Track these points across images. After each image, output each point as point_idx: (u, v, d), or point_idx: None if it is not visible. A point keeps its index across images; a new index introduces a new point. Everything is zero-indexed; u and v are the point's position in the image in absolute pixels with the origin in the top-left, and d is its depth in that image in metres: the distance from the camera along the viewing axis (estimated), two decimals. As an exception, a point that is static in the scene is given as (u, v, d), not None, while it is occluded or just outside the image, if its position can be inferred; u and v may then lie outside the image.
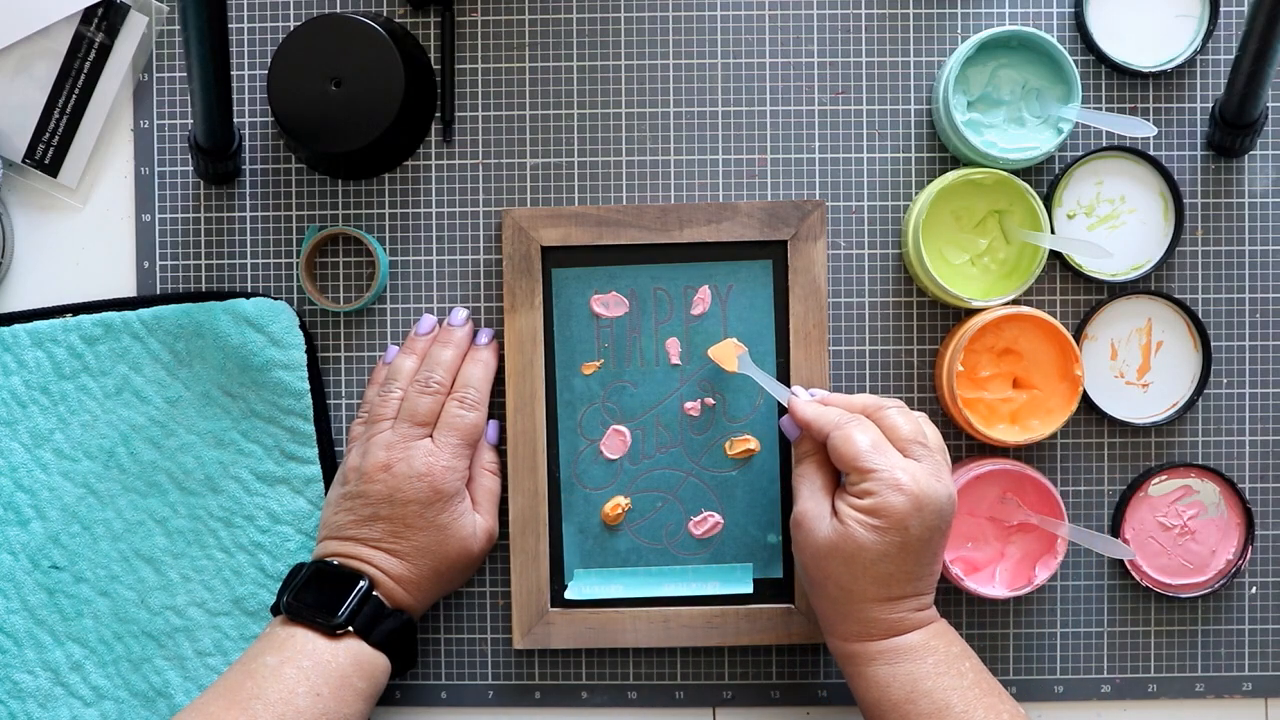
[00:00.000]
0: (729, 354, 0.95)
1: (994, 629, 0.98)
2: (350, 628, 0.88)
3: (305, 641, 0.87)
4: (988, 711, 0.83)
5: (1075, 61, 0.94)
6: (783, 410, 0.92)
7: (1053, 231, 0.95)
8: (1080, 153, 0.97)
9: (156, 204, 0.99)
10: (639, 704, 0.98)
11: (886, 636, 0.85)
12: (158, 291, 0.99)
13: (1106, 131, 0.97)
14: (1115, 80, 0.98)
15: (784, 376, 0.96)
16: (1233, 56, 0.92)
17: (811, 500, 0.86)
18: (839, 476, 0.88)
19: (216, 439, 0.97)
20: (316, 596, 0.89)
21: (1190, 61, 0.97)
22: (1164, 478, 0.96)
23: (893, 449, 0.85)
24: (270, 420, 0.96)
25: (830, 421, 0.86)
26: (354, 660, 0.88)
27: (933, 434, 0.87)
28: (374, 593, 0.90)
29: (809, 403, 0.89)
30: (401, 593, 0.91)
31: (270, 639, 0.88)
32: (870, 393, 0.97)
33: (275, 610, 0.91)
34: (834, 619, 0.86)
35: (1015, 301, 0.95)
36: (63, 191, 1.00)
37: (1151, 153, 0.97)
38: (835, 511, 0.85)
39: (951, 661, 0.85)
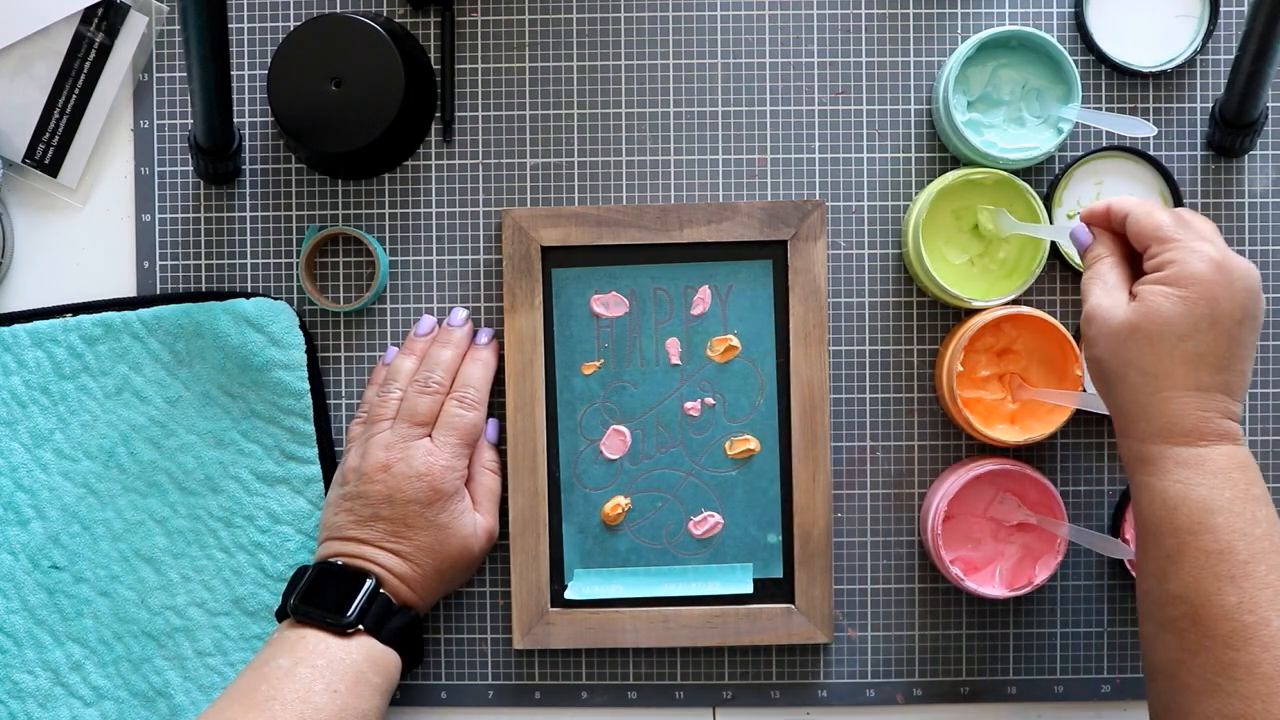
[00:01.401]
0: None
1: (994, 629, 0.98)
2: (361, 626, 0.88)
3: (317, 642, 0.87)
4: (1271, 569, 0.75)
5: (1075, 61, 0.94)
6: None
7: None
8: (1080, 153, 0.97)
9: (156, 204, 0.99)
10: (639, 704, 0.98)
11: (1191, 441, 0.78)
12: (158, 291, 0.99)
13: (1106, 131, 0.97)
14: (1115, 80, 0.98)
15: (784, 376, 0.96)
16: (1233, 56, 0.92)
17: (1105, 295, 0.81)
18: (1132, 278, 0.83)
19: (216, 439, 0.97)
20: (324, 598, 0.89)
21: (1190, 61, 0.97)
22: (1164, 478, 0.96)
23: (1195, 226, 0.80)
24: (270, 420, 0.96)
25: (1125, 204, 0.82)
26: (368, 656, 0.88)
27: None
28: (381, 591, 0.90)
29: (1115, 199, 0.84)
30: (407, 590, 0.91)
31: (280, 643, 0.88)
32: (870, 392, 0.97)
33: (281, 614, 0.91)
34: (1135, 413, 0.79)
35: (1015, 301, 0.95)
36: (63, 191, 1.00)
37: (1151, 153, 0.97)
38: (1133, 295, 0.80)
39: (1249, 502, 0.77)
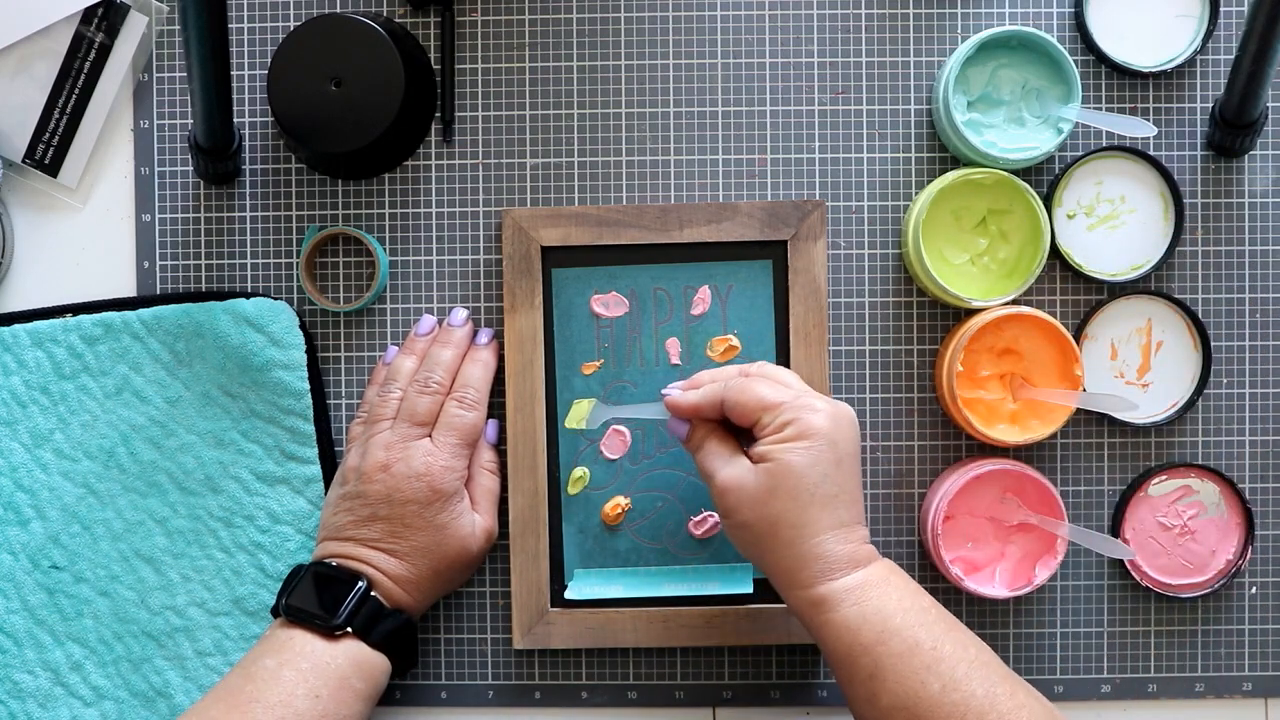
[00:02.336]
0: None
1: (994, 629, 0.98)
2: (349, 628, 0.88)
3: (304, 644, 0.87)
4: (955, 645, 0.81)
5: (1075, 61, 0.94)
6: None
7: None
8: (1080, 153, 0.97)
9: (156, 204, 0.99)
10: (639, 704, 0.98)
11: (848, 570, 0.83)
12: (158, 291, 0.99)
13: (1106, 131, 0.97)
14: (1115, 80, 0.98)
15: (784, 376, 0.96)
16: (1233, 56, 0.92)
17: (728, 467, 0.85)
18: (740, 441, 0.87)
19: (216, 439, 0.97)
20: (315, 598, 0.89)
21: (1190, 61, 0.97)
22: (1164, 478, 0.96)
23: (788, 384, 0.86)
24: (270, 420, 0.96)
25: (718, 387, 0.87)
26: (353, 661, 0.88)
27: (794, 379, 0.88)
28: (372, 593, 0.90)
29: (684, 391, 0.89)
30: (400, 593, 0.91)
31: (270, 641, 0.88)
32: (870, 392, 0.97)
33: (275, 612, 0.91)
34: (793, 567, 0.84)
35: (1015, 301, 0.95)
36: (63, 191, 1.00)
37: (1151, 153, 0.97)
38: (756, 461, 0.84)
39: (914, 596, 0.83)
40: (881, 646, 0.81)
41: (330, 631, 0.88)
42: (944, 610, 0.84)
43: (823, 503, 0.83)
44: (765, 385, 0.85)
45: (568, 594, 0.97)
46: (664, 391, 0.90)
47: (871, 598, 0.82)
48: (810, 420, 0.83)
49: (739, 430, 0.87)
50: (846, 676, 0.83)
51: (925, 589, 0.97)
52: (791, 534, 0.83)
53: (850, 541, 0.84)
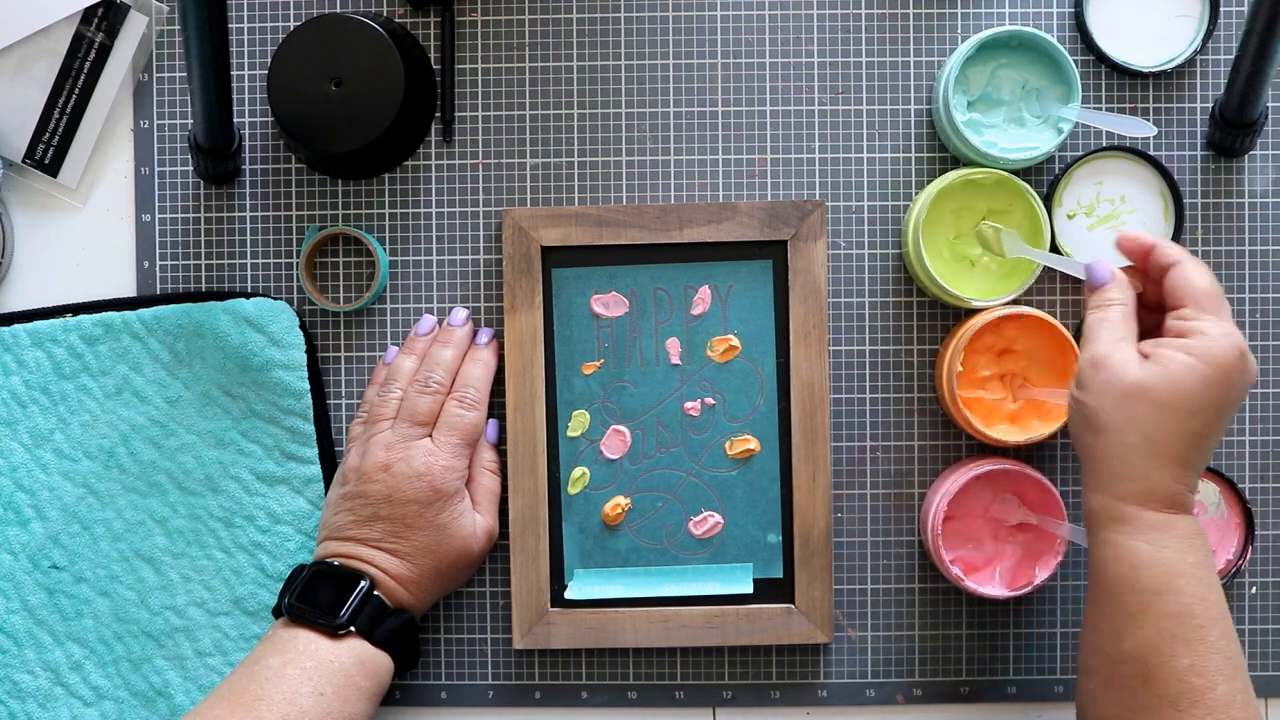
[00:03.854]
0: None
1: (994, 629, 0.98)
2: (352, 628, 0.88)
3: (308, 643, 0.87)
4: (1219, 635, 0.78)
5: (1075, 61, 0.94)
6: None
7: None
8: (1080, 153, 0.97)
9: (156, 204, 0.99)
10: (639, 704, 0.98)
11: (1164, 508, 0.79)
12: (158, 291, 0.99)
13: (1106, 131, 0.97)
14: (1115, 80, 0.98)
15: (784, 377, 0.96)
16: (1233, 56, 0.92)
17: (1115, 346, 0.80)
18: (1137, 333, 0.82)
19: (216, 439, 0.97)
20: (318, 597, 0.89)
21: (1190, 61, 0.97)
22: (1164, 478, 0.96)
23: (1227, 308, 0.81)
24: (270, 420, 0.96)
25: (1181, 253, 0.82)
26: (357, 660, 0.88)
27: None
28: (375, 592, 0.90)
29: (1138, 234, 0.84)
30: (402, 592, 0.91)
31: (272, 641, 0.88)
32: (870, 392, 0.98)
33: (277, 612, 0.91)
34: (1119, 471, 0.79)
35: (1015, 301, 0.95)
36: (63, 191, 1.00)
37: (1151, 153, 0.97)
38: (1149, 357, 0.79)
39: (1208, 570, 0.79)
40: (1156, 596, 0.78)
41: (334, 631, 0.88)
42: (1224, 597, 0.80)
43: (1185, 433, 0.78)
44: (1215, 286, 0.80)
45: (568, 594, 0.97)
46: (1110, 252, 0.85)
47: (1172, 546, 0.78)
48: (1222, 346, 0.78)
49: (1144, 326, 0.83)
50: (1103, 602, 0.80)
51: (925, 588, 0.97)
52: (1137, 441, 0.79)
53: (1184, 483, 0.79)
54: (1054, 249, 0.96)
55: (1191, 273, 0.81)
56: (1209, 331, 0.79)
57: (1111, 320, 0.82)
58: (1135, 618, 0.78)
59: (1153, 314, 0.84)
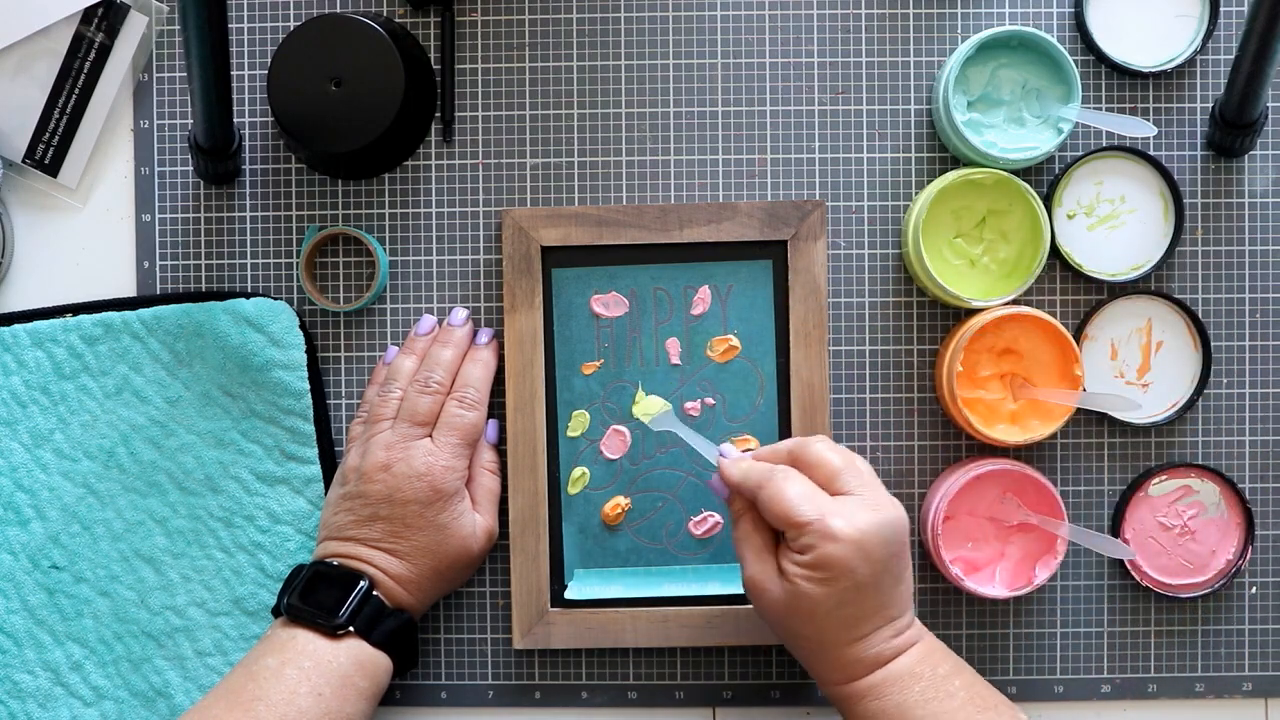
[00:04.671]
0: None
1: (994, 629, 0.98)
2: (351, 628, 0.88)
3: (306, 643, 0.87)
4: (977, 711, 0.83)
5: (1075, 61, 0.94)
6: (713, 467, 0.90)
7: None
8: (1080, 153, 0.97)
9: (156, 204, 0.99)
10: (639, 704, 0.98)
11: (875, 667, 0.84)
12: (158, 291, 0.99)
13: (1106, 131, 0.97)
14: (1115, 80, 0.98)
15: (784, 377, 0.96)
16: (1233, 56, 0.92)
17: (757, 563, 0.85)
18: (778, 533, 0.86)
19: (216, 439, 0.97)
20: (317, 597, 0.89)
21: (1190, 61, 0.97)
22: (1164, 478, 0.96)
23: (822, 494, 0.83)
24: (270, 420, 0.96)
25: (755, 480, 0.85)
26: (355, 660, 0.88)
27: (862, 462, 0.86)
28: (374, 593, 0.90)
29: (735, 461, 0.87)
30: (402, 592, 0.91)
31: (271, 641, 0.88)
32: (870, 392, 0.97)
33: (276, 612, 0.91)
34: (816, 667, 0.86)
35: (1015, 301, 0.95)
36: (63, 191, 1.00)
37: (1151, 153, 0.97)
38: (781, 570, 0.84)
39: (939, 683, 0.84)
40: None
41: (332, 631, 0.88)
42: (980, 688, 0.85)
43: (841, 623, 0.83)
44: (797, 493, 0.83)
45: (568, 594, 0.97)
46: (721, 449, 0.89)
47: (892, 692, 0.83)
48: (829, 553, 0.81)
49: None
50: None
51: (925, 588, 0.97)
52: (811, 645, 0.85)
53: (873, 647, 0.84)
54: (1054, 249, 0.96)
55: (770, 500, 0.83)
56: (811, 544, 0.82)
57: (745, 534, 0.86)
58: None
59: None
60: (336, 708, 0.86)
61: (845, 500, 0.83)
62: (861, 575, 0.82)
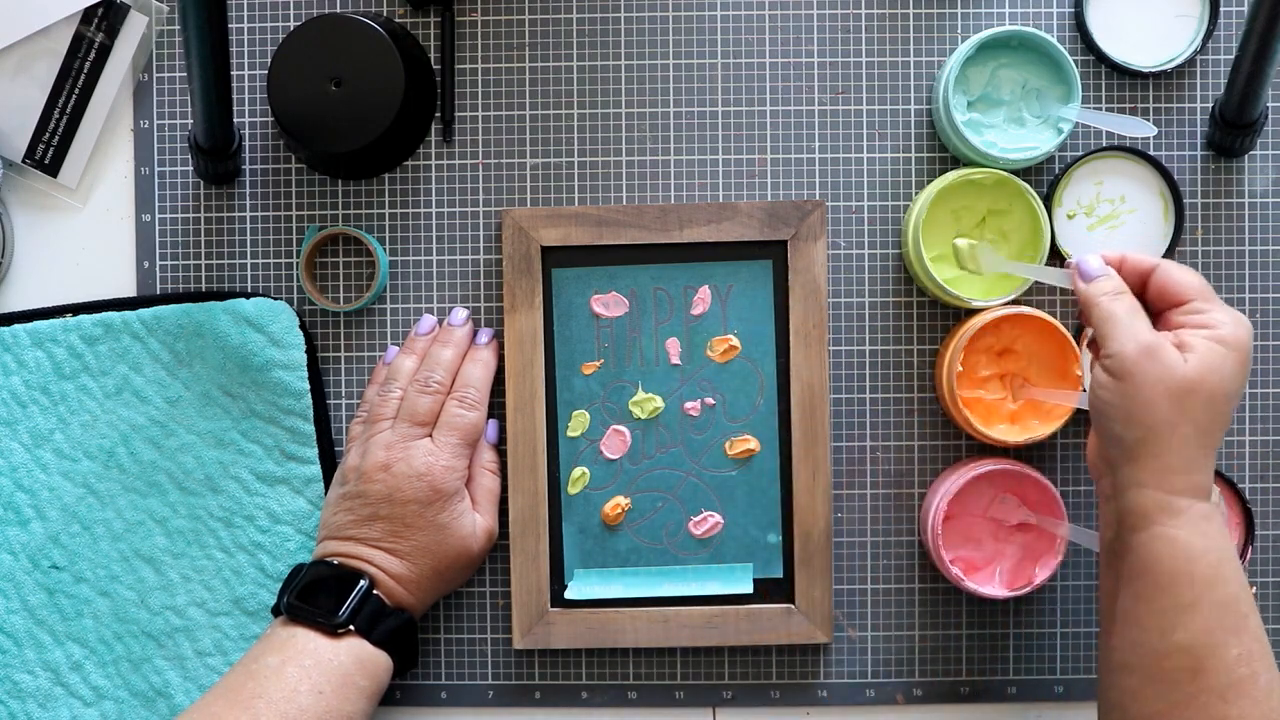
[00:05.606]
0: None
1: (994, 629, 0.98)
2: (351, 627, 0.88)
3: (307, 641, 0.87)
4: (1259, 624, 0.78)
5: (1075, 61, 0.94)
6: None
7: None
8: (1080, 153, 0.97)
9: (156, 204, 0.99)
10: (639, 704, 0.98)
11: (1205, 495, 0.79)
12: (158, 291, 0.99)
13: (1106, 131, 0.97)
14: (1115, 80, 0.98)
15: (784, 377, 0.96)
16: (1233, 56, 0.92)
17: (1150, 332, 0.80)
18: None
19: (216, 439, 0.97)
20: (317, 596, 0.89)
21: (1190, 61, 0.97)
22: (1164, 478, 0.96)
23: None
24: (270, 420, 0.96)
25: (1146, 256, 0.84)
26: (356, 659, 0.88)
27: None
28: (374, 592, 0.90)
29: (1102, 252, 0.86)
30: (402, 592, 0.91)
31: (271, 640, 0.88)
32: (870, 392, 0.97)
33: (276, 611, 0.91)
34: (1174, 465, 0.78)
35: (1015, 301, 0.95)
36: (63, 191, 1.00)
37: (1151, 153, 0.97)
38: (1185, 348, 0.79)
39: (1234, 552, 0.79)
40: (1208, 588, 0.77)
41: (333, 630, 0.88)
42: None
43: (1227, 419, 0.79)
44: (1202, 277, 0.82)
45: (568, 594, 0.97)
46: (1077, 260, 0.86)
47: (1216, 535, 0.78)
48: (1239, 330, 0.79)
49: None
50: (1151, 597, 0.78)
51: (925, 588, 0.97)
52: (1193, 434, 0.78)
53: (1208, 471, 0.80)
54: (1054, 249, 0.96)
55: (1177, 271, 0.83)
56: (1225, 320, 0.80)
57: (1135, 307, 0.82)
58: (1188, 610, 0.77)
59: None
60: (337, 706, 0.86)
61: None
62: (1244, 375, 0.79)
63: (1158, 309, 0.83)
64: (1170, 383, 0.78)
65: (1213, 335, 0.79)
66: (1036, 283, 0.96)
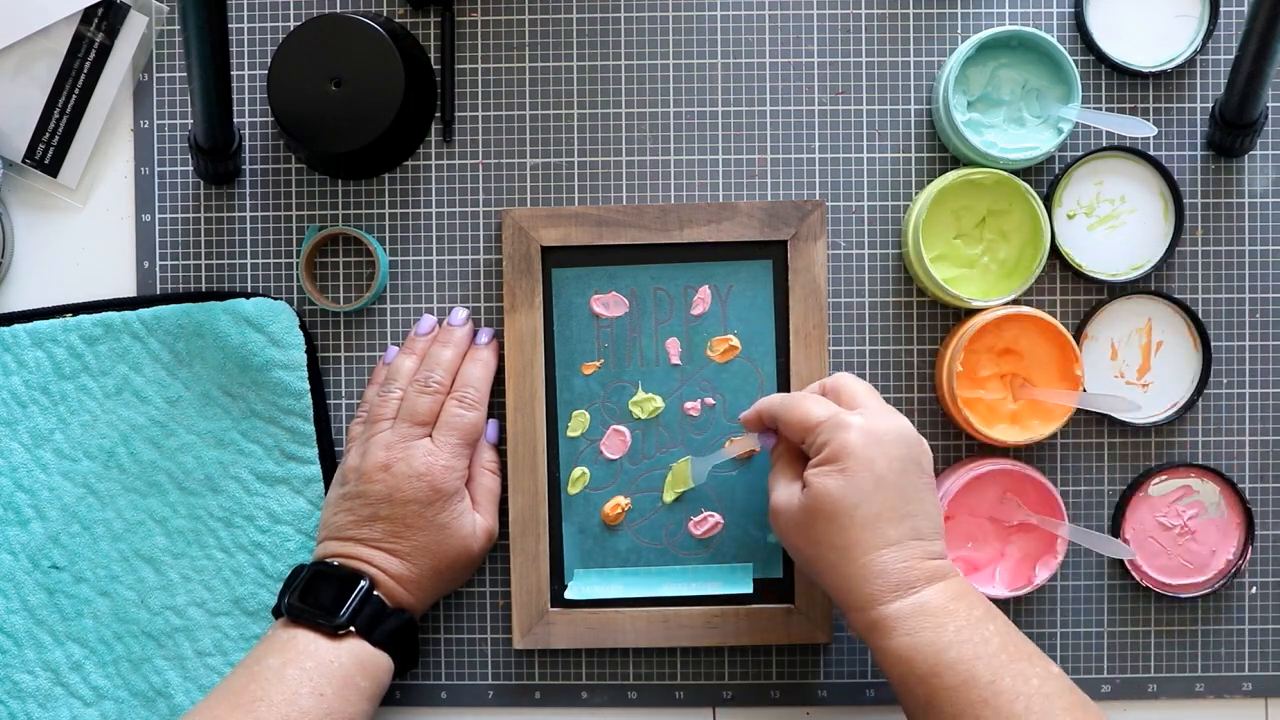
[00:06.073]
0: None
1: (994, 629, 0.98)
2: (352, 628, 0.88)
3: (308, 643, 0.87)
4: (1015, 679, 0.79)
5: (1075, 61, 0.94)
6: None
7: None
8: (1080, 153, 0.97)
9: (156, 204, 0.99)
10: (639, 704, 0.98)
11: (903, 592, 0.81)
12: (158, 291, 0.99)
13: (1106, 131, 0.97)
14: (1115, 80, 0.98)
15: (784, 376, 0.96)
16: (1233, 56, 0.92)
17: (782, 490, 0.86)
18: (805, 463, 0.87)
19: (216, 439, 0.97)
20: (318, 597, 0.89)
21: (1190, 61, 0.97)
22: (1164, 478, 0.96)
23: (844, 396, 0.86)
24: (270, 420, 0.96)
25: (778, 401, 0.88)
26: (356, 660, 0.88)
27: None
28: (375, 592, 0.90)
29: (764, 398, 0.91)
30: (402, 592, 0.91)
31: (272, 641, 0.88)
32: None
33: (277, 612, 0.91)
34: (844, 588, 0.83)
35: (1015, 301, 0.95)
36: (63, 191, 1.00)
37: (1151, 153, 0.97)
38: (804, 485, 0.84)
39: (974, 626, 0.80)
40: (935, 679, 0.79)
41: (333, 631, 0.88)
42: (1013, 636, 0.81)
43: (863, 524, 0.82)
44: (813, 402, 0.86)
45: (568, 594, 0.97)
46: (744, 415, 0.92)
47: (925, 627, 0.80)
48: (841, 440, 0.83)
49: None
50: (904, 703, 0.82)
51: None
52: (834, 556, 0.83)
53: (905, 560, 0.82)
54: (1054, 249, 0.96)
55: (785, 412, 0.86)
56: (827, 438, 0.83)
57: (776, 471, 0.88)
58: (930, 705, 0.80)
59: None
60: (339, 707, 0.86)
61: (863, 409, 0.85)
62: (880, 468, 0.82)
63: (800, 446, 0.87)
64: (794, 527, 0.84)
65: (818, 461, 0.84)
66: (1037, 283, 0.96)
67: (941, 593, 0.82)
